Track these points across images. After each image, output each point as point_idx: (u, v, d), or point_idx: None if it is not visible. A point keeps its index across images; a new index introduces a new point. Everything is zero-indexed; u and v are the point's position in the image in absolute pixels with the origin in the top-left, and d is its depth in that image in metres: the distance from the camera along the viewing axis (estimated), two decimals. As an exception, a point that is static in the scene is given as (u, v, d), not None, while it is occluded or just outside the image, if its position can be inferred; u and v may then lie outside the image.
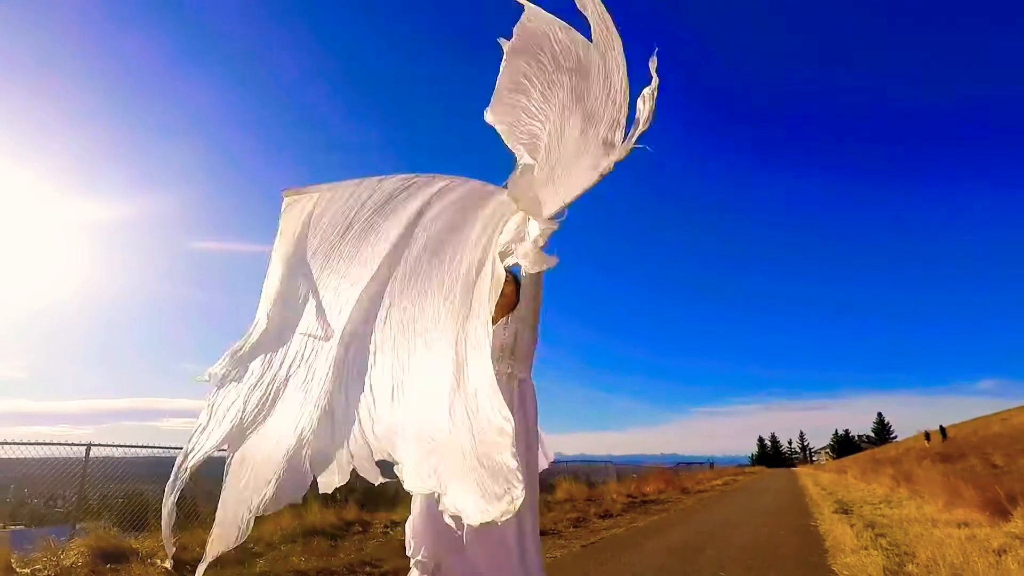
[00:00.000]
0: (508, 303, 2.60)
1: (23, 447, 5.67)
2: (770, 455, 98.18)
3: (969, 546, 4.64)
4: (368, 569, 4.28)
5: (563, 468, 17.69)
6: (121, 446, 6.30)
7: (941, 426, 35.46)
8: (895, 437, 77.41)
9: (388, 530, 6.56)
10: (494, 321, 2.50)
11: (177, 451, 6.72)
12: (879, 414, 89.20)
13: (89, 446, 5.94)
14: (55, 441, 5.83)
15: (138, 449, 6.78)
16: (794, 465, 79.02)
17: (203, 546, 5.15)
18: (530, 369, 2.55)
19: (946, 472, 10.91)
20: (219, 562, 4.42)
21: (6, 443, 5.37)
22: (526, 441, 2.35)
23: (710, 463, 42.63)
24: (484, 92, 2.02)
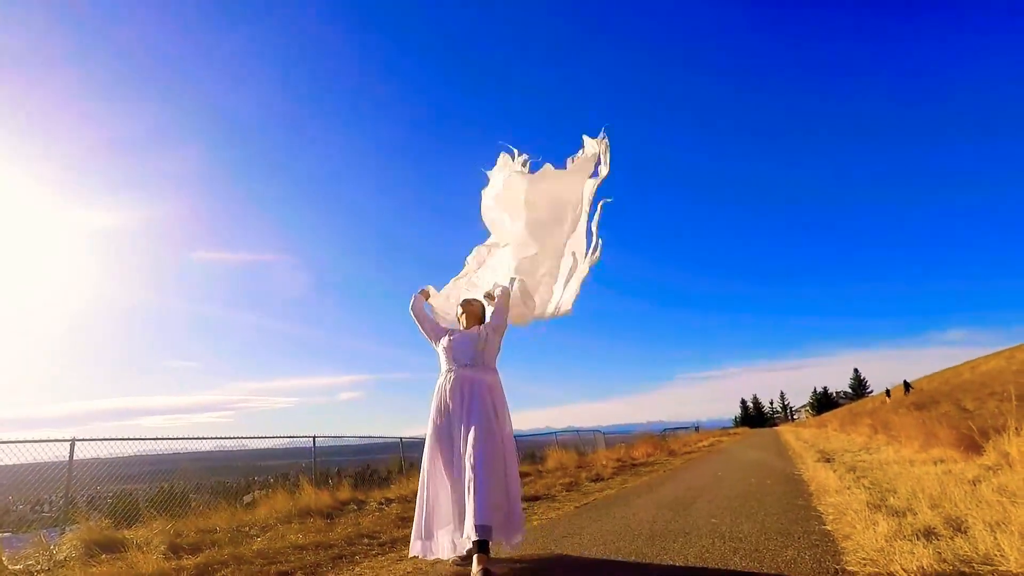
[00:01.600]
0: (477, 313, 3.66)
1: (5, 448, 5.56)
2: (753, 416, 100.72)
3: (946, 479, 4.83)
4: (366, 541, 4.30)
5: (552, 440, 17.94)
6: (106, 439, 6.19)
7: (905, 381, 36.55)
8: (871, 392, 79.91)
9: (383, 506, 6.60)
10: (467, 327, 3.60)
11: (164, 442, 6.62)
12: (855, 370, 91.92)
13: (73, 441, 5.83)
14: (38, 439, 5.69)
15: (124, 447, 6.69)
16: (776, 424, 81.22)
17: (196, 532, 5.10)
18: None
19: (921, 419, 11.33)
20: (215, 542, 4.43)
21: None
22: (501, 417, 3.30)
23: (696, 427, 43.64)
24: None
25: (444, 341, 3.44)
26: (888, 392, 35.61)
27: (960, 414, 15.43)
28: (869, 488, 5.02)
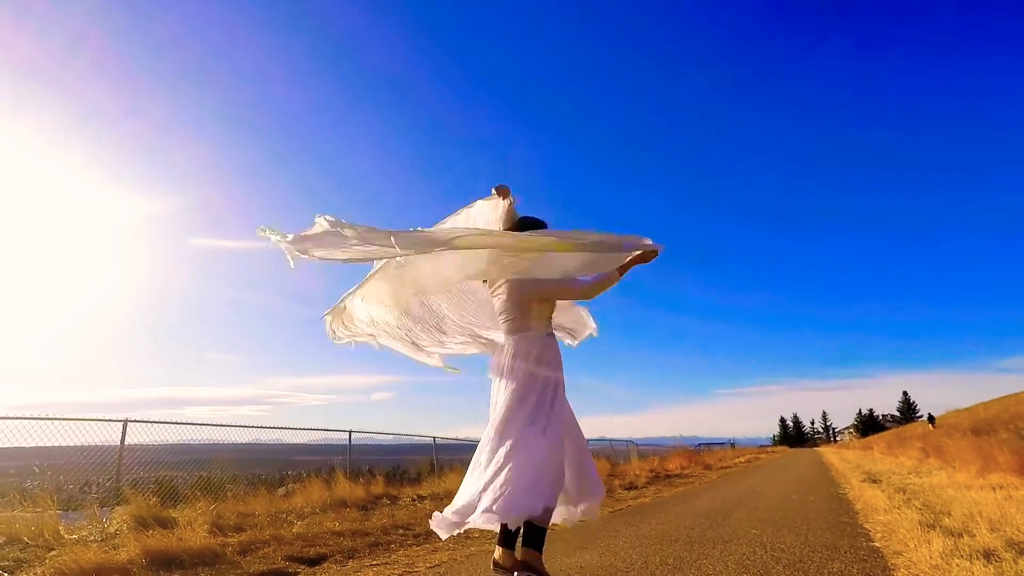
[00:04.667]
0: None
1: (62, 428, 5.88)
2: (792, 436, 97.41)
3: (1006, 504, 4.56)
4: (401, 531, 4.35)
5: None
6: (157, 423, 6.47)
7: (930, 414, 35.35)
8: (921, 416, 76.12)
9: (416, 502, 6.67)
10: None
11: (203, 432, 6.86)
12: (904, 392, 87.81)
13: (126, 422, 6.11)
14: (93, 418, 6.00)
15: (166, 435, 6.98)
16: (817, 445, 78.28)
17: (236, 515, 5.25)
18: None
19: (978, 444, 10.72)
20: (255, 525, 4.57)
21: (49, 418, 5.55)
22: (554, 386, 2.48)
23: (731, 443, 42.46)
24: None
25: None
26: (932, 419, 33.81)
27: (1019, 441, 14.56)
28: (921, 509, 4.78)
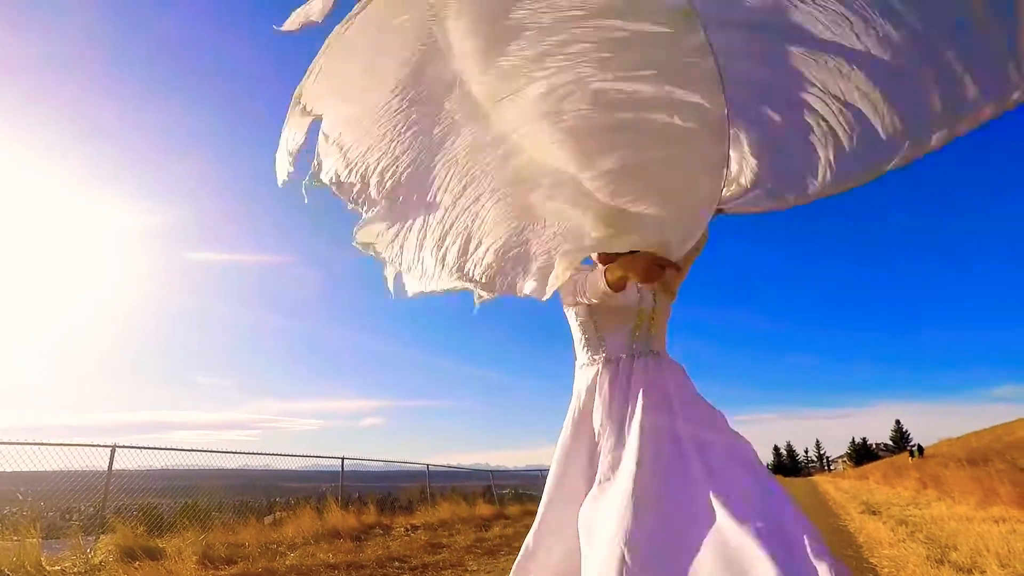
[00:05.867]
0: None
1: (47, 449, 5.71)
2: (787, 465, 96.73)
3: (1012, 538, 4.50)
4: (397, 564, 4.22)
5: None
6: (145, 448, 6.31)
7: (919, 445, 35.58)
8: (914, 445, 75.95)
9: (409, 532, 6.51)
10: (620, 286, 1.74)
11: (190, 458, 6.68)
12: (897, 421, 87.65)
13: (114, 448, 5.96)
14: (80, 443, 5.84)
15: (152, 460, 6.80)
16: (811, 474, 77.73)
17: (226, 546, 5.10)
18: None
19: (977, 476, 10.65)
20: (246, 556, 4.41)
21: (35, 443, 5.41)
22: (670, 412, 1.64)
23: (726, 472, 42.06)
24: None
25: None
26: (920, 450, 33.38)
27: (1016, 472, 14.50)
28: (926, 543, 4.71)
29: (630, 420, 1.63)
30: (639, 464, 1.48)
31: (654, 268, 1.67)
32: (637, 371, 1.76)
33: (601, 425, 1.70)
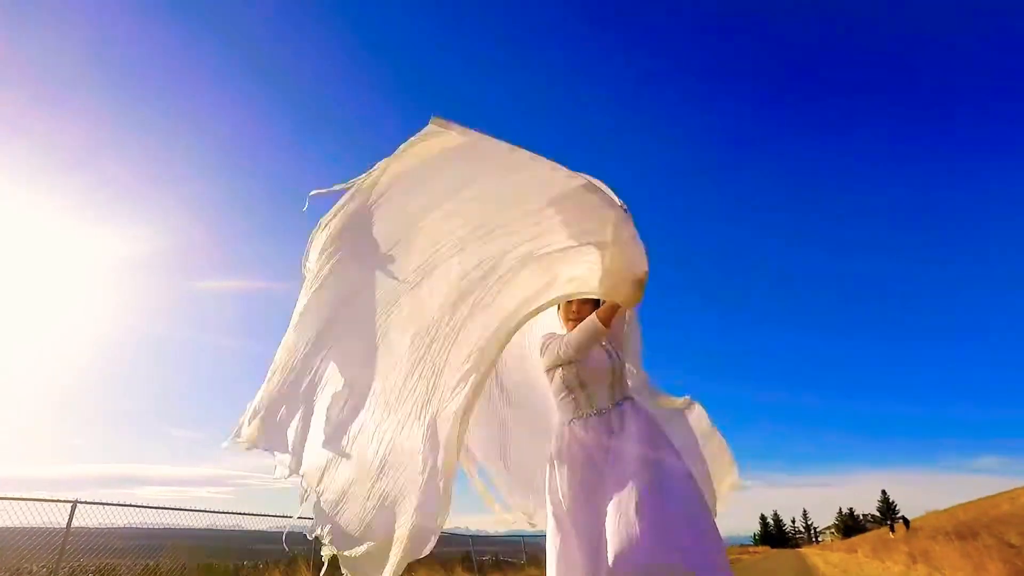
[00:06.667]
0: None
1: (1, 504, 5.39)
2: (774, 535, 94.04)
3: (1006, 619, 4.39)
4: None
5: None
6: (109, 504, 5.99)
7: (904, 517, 35.32)
8: (900, 517, 74.53)
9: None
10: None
11: (156, 516, 6.29)
12: (883, 491, 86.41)
13: (75, 504, 5.65)
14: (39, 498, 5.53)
15: (115, 518, 6.41)
16: (799, 546, 75.56)
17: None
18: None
19: (966, 551, 10.45)
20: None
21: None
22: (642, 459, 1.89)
23: (712, 542, 40.67)
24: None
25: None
26: (903, 522, 32.68)
27: (1006, 549, 14.24)
28: (920, 623, 4.56)
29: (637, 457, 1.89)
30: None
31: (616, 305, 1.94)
32: (627, 415, 2.04)
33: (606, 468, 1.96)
